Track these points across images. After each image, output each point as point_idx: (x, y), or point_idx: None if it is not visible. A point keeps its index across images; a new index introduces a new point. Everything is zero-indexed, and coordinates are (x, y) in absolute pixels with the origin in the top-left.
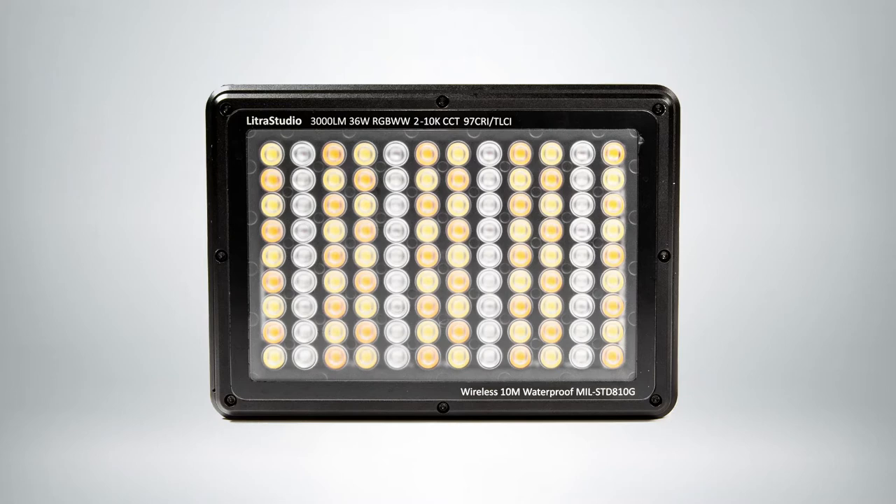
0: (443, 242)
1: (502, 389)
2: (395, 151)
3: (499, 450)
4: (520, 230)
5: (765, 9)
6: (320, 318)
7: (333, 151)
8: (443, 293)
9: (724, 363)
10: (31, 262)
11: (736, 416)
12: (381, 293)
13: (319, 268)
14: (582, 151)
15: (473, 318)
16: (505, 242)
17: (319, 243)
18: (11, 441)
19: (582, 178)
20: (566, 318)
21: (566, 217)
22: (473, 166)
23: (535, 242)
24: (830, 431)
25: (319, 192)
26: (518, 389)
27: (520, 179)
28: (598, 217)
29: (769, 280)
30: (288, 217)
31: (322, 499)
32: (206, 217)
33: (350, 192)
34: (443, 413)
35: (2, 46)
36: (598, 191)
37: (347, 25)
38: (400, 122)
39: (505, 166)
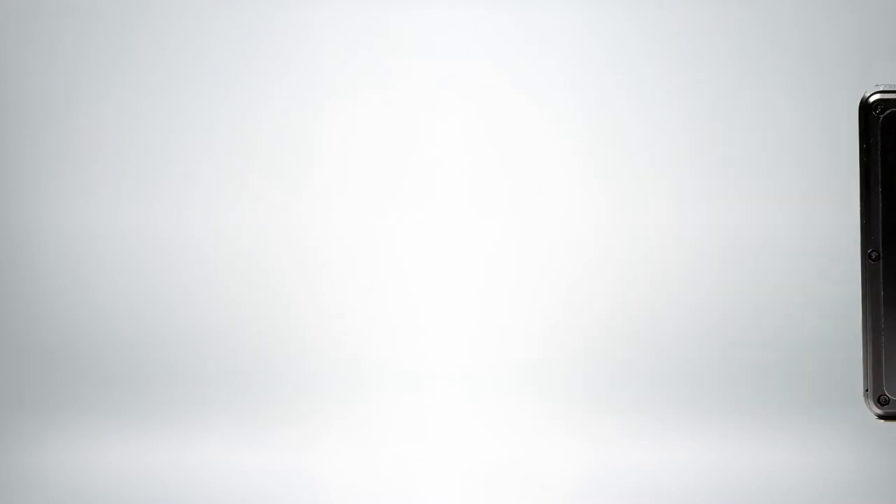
0: None
1: None
2: None
3: (499, 450)
4: None
5: (765, 9)
6: None
7: None
8: None
9: (724, 363)
10: (31, 262)
11: (736, 416)
12: None
13: None
14: None
15: None
16: None
17: None
18: (11, 441)
19: None
20: None
21: None
22: None
23: None
24: (830, 431)
25: None
26: None
27: None
28: None
29: (769, 280)
30: None
31: (322, 499)
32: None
33: None
34: None
35: (2, 46)
36: None
37: (347, 25)
38: None
39: None
